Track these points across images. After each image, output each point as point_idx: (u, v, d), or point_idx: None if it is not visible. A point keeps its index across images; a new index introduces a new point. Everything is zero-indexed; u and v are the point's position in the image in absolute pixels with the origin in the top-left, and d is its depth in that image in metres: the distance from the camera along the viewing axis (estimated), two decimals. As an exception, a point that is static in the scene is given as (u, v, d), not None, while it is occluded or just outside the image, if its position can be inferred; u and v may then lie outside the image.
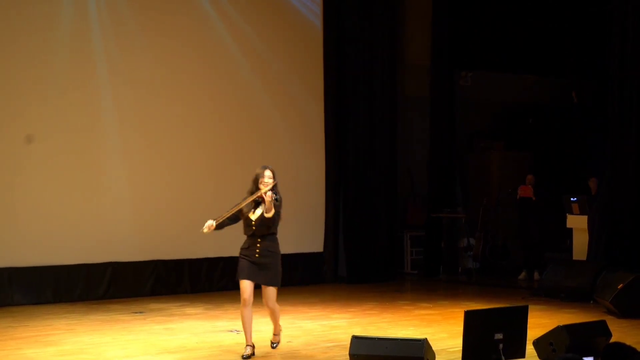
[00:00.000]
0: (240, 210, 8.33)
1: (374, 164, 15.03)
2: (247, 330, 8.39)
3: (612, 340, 7.62)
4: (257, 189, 8.26)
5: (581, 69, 17.34)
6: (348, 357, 7.85)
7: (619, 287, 11.22)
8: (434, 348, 7.87)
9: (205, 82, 13.54)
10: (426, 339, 7.72)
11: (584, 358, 4.50)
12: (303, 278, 14.28)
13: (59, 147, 12.30)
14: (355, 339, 7.87)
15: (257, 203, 8.31)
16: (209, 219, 8.36)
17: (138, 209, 12.85)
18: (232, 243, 13.50)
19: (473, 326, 7.71)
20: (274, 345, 8.79)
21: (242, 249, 8.44)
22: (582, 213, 13.93)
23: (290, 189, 13.86)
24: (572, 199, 14.24)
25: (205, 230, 8.32)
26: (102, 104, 12.64)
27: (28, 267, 12.04)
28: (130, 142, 12.87)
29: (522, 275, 15.24)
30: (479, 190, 16.83)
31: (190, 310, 11.70)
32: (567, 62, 17.43)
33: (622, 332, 9.23)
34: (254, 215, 8.31)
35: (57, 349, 9.03)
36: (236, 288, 13.50)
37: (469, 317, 7.75)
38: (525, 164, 16.65)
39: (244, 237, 12.71)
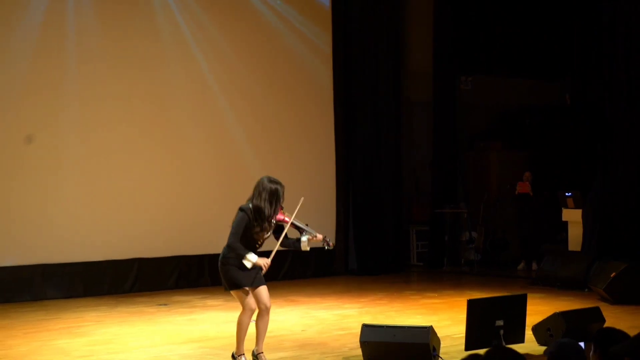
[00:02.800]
0: (252, 229, 7.21)
1: (381, 164, 15.00)
2: (244, 338, 7.46)
3: (606, 325, 7.59)
4: (275, 206, 7.21)
5: (574, 73, 17.28)
6: (359, 344, 7.84)
7: (611, 275, 11.20)
8: (439, 334, 7.85)
9: (224, 89, 13.53)
10: (432, 326, 7.70)
11: (580, 342, 4.47)
12: (316, 271, 14.27)
13: (88, 152, 12.33)
14: (366, 327, 7.86)
15: (270, 223, 7.23)
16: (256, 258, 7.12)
17: (162, 210, 12.87)
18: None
19: (475, 314, 7.70)
20: None
21: (232, 258, 7.26)
22: (576, 207, 13.88)
23: (303, 189, 13.84)
24: (567, 194, 14.19)
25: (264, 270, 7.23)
26: (126, 105, 12.64)
27: (60, 264, 12.08)
28: (155, 147, 12.89)
29: (521, 266, 15.20)
30: (479, 187, 16.78)
31: (211, 302, 11.71)
32: (560, 66, 17.37)
33: (615, 318, 9.20)
34: (263, 237, 7.30)
35: (87, 339, 9.06)
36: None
37: (472, 305, 7.74)
38: (522, 162, 16.59)
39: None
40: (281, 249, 7.46)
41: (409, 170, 16.14)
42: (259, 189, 7.33)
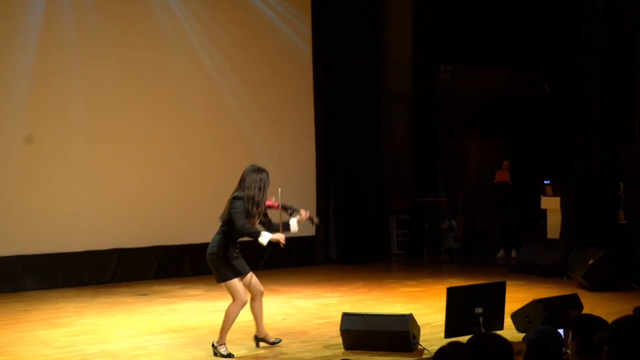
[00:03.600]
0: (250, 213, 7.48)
1: (362, 153, 15.00)
2: (229, 329, 7.79)
3: (584, 312, 7.62)
4: (263, 193, 7.51)
5: (552, 62, 17.34)
6: (339, 332, 7.84)
7: (589, 263, 11.26)
8: (418, 322, 7.87)
9: (208, 80, 13.48)
10: (411, 314, 7.72)
11: (558, 329, 4.49)
12: (297, 260, 14.26)
13: (68, 144, 12.26)
14: (346, 316, 7.87)
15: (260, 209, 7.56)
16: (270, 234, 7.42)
17: (141, 200, 12.81)
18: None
19: (455, 301, 7.73)
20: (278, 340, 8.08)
21: (229, 251, 7.59)
22: (555, 195, 13.95)
23: (284, 178, 13.84)
24: (545, 182, 14.26)
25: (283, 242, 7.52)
26: (106, 100, 12.57)
27: (39, 255, 12.00)
28: (134, 139, 12.82)
29: (500, 254, 15.24)
30: (459, 175, 16.83)
31: (191, 291, 11.68)
32: (539, 56, 17.43)
33: (593, 305, 9.25)
34: (254, 223, 7.64)
35: (67, 330, 9.01)
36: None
37: (451, 293, 7.76)
38: (501, 151, 16.65)
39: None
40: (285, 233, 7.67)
41: (389, 159, 16.15)
42: (248, 179, 7.56)
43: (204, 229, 13.25)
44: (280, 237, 7.50)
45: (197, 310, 10.11)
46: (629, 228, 12.58)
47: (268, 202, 7.64)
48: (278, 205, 7.70)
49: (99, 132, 12.52)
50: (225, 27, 13.67)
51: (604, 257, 11.26)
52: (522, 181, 15.23)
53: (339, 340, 7.84)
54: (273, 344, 7.98)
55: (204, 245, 13.12)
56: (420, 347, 7.62)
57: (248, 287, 7.68)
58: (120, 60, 12.71)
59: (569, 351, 4.56)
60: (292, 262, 14.20)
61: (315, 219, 7.98)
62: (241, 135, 13.77)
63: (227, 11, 13.72)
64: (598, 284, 11.06)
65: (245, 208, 7.44)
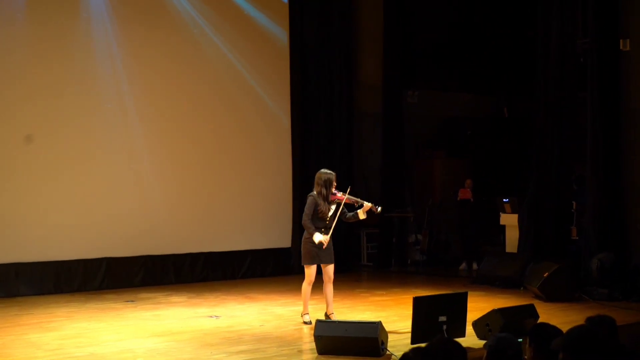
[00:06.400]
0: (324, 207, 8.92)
1: (334, 170, 14.85)
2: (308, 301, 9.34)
3: (540, 321, 7.69)
4: (328, 190, 8.94)
5: (511, 87, 17.51)
6: (313, 338, 7.85)
7: (544, 275, 11.33)
8: (387, 329, 7.89)
9: (190, 108, 13.48)
10: (380, 321, 7.74)
11: (516, 337, 4.54)
12: (274, 270, 14.23)
13: (60, 156, 12.19)
14: (320, 322, 7.88)
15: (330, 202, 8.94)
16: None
17: (129, 213, 12.74)
18: (211, 239, 13.54)
19: (421, 310, 7.76)
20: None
21: (310, 238, 9.01)
22: (513, 212, 14.03)
23: (263, 195, 13.97)
24: (504, 199, 14.34)
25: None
26: (100, 109, 12.51)
27: (32, 262, 11.90)
28: (122, 153, 12.77)
29: (462, 266, 15.31)
30: (425, 192, 16.88)
31: (175, 298, 11.63)
32: (499, 82, 17.59)
33: (548, 314, 9.32)
34: (327, 214, 8.99)
35: (58, 333, 8.95)
36: (214, 279, 13.52)
37: (417, 302, 7.80)
38: (464, 170, 16.74)
39: (221, 235, 12.89)
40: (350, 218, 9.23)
41: (360, 176, 16.19)
42: (318, 179, 9.06)
43: (186, 240, 13.31)
44: (320, 239, 8.93)
45: (180, 316, 10.07)
46: (581, 243, 12.69)
47: (333, 197, 8.93)
48: (343, 198, 8.87)
49: (91, 147, 12.45)
50: (219, 57, 13.68)
51: (558, 270, 11.34)
52: (483, 199, 15.32)
53: (313, 345, 7.85)
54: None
55: (188, 255, 13.28)
56: (388, 352, 7.65)
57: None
58: (128, 77, 12.67)
59: (526, 357, 4.60)
60: (270, 272, 14.18)
61: (377, 209, 8.90)
62: (224, 154, 13.76)
63: (221, 39, 13.74)
64: (552, 295, 11.13)
65: (314, 203, 8.86)
